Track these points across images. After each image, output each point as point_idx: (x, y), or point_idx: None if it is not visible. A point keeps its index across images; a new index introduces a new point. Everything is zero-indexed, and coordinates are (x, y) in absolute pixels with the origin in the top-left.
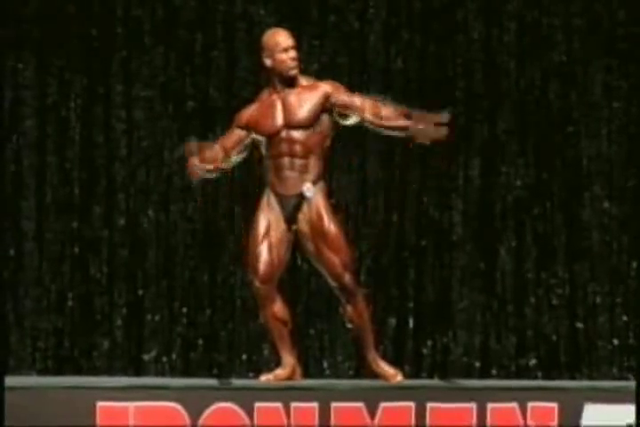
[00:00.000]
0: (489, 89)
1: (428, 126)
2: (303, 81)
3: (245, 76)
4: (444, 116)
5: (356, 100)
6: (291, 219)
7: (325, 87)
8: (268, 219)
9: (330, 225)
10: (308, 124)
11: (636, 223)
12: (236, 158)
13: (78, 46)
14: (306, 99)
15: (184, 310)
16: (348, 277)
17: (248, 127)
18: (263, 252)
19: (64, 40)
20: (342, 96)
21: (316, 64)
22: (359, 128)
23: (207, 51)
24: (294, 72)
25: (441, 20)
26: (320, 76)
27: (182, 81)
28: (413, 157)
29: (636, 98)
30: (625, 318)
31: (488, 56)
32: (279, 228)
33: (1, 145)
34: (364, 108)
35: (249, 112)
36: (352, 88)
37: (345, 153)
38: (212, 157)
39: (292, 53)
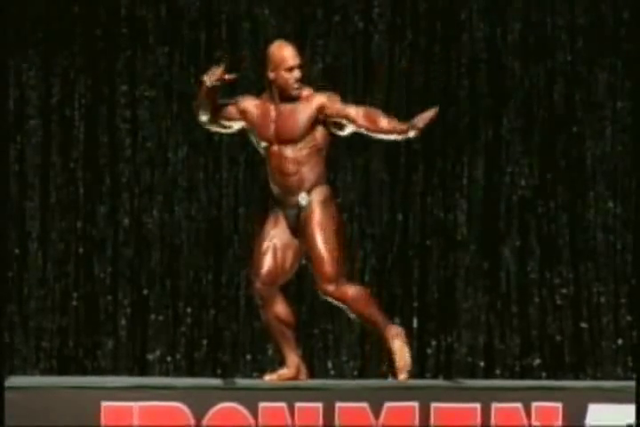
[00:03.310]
0: (493, 89)
1: (425, 125)
2: (304, 91)
3: (249, 76)
4: (434, 111)
5: (351, 109)
6: (294, 227)
7: (320, 99)
8: (276, 225)
9: (314, 235)
10: (299, 139)
11: None
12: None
13: (82, 46)
14: (300, 111)
15: (188, 309)
16: (331, 289)
17: (247, 120)
18: (267, 254)
19: (68, 40)
20: (337, 106)
21: (320, 64)
22: None
23: (211, 50)
24: (296, 92)
25: (445, 20)
26: (324, 75)
27: (187, 81)
28: (418, 156)
29: None
30: (629, 317)
31: (492, 56)
32: (285, 235)
33: (5, 145)
34: (359, 116)
35: (251, 106)
36: (356, 88)
37: (349, 153)
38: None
39: (297, 74)
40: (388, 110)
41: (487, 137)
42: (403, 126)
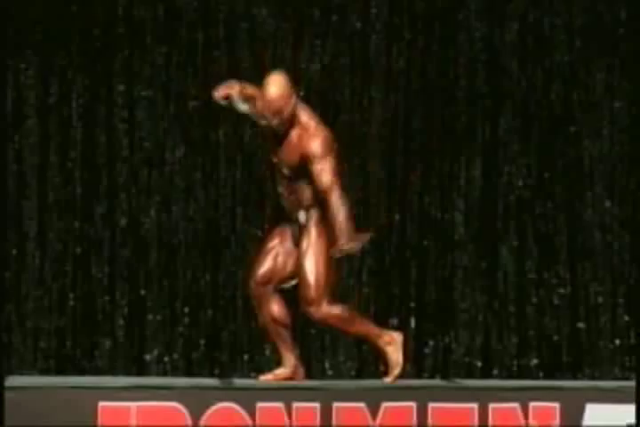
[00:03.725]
0: (491, 89)
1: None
2: (303, 115)
3: (248, 77)
4: (367, 236)
5: (322, 181)
6: (297, 242)
7: (311, 147)
8: (282, 234)
9: (302, 257)
10: (292, 169)
11: (638, 223)
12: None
13: (80, 46)
14: (292, 147)
15: (186, 309)
16: (312, 311)
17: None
18: (268, 255)
19: (66, 40)
20: (316, 169)
21: (317, 64)
22: (360, 128)
23: (209, 51)
24: (279, 131)
25: (443, 20)
26: (322, 75)
27: (184, 81)
28: (415, 156)
29: (638, 97)
30: (626, 317)
31: (490, 56)
32: (290, 245)
33: (3, 145)
34: (323, 191)
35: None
36: (354, 88)
37: (347, 153)
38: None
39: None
40: (387, 110)
41: (485, 137)
42: (340, 235)
